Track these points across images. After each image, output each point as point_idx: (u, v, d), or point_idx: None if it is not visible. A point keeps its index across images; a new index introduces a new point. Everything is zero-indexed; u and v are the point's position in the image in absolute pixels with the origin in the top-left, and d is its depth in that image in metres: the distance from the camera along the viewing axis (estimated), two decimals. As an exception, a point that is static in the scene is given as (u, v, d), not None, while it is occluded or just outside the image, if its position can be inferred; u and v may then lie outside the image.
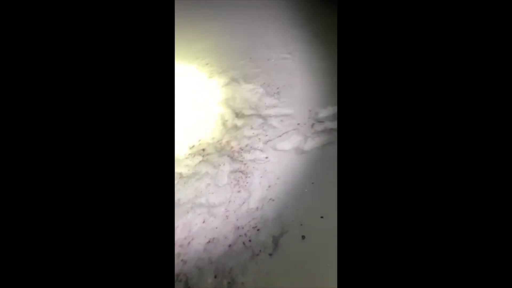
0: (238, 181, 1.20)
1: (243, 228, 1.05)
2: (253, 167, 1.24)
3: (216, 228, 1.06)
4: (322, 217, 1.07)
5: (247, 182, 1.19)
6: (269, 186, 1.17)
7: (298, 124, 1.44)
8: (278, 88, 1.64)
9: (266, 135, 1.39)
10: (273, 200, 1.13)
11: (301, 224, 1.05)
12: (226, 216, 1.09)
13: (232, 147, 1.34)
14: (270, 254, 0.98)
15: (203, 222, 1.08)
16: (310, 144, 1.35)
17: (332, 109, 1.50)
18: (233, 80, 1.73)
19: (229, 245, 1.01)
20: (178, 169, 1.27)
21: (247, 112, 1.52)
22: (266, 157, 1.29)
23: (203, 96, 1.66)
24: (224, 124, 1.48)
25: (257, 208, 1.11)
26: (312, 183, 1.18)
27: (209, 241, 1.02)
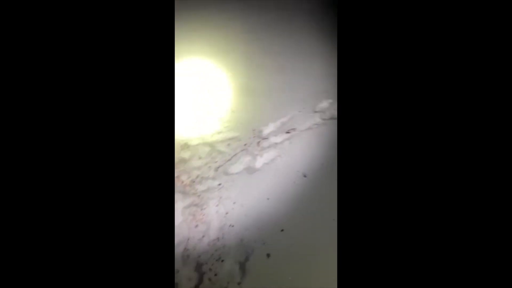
0: (194, 215, 1.17)
1: (206, 263, 1.02)
2: (208, 197, 1.23)
3: (178, 271, 1.00)
4: (282, 230, 1.10)
5: (203, 214, 1.17)
6: (227, 213, 1.18)
7: (245, 144, 1.50)
8: (219, 113, 1.70)
9: (216, 162, 1.41)
10: (232, 226, 1.13)
11: (264, 243, 1.07)
12: (187, 255, 1.05)
13: (182, 182, 1.32)
14: (239, 283, 0.96)
15: (163, 269, 1.01)
16: (260, 161, 1.41)
17: (273, 125, 1.61)
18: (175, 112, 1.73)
19: (195, 287, 0.96)
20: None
21: (193, 142, 1.53)
22: (219, 184, 1.30)
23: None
24: (170, 159, 1.45)
25: (218, 239, 1.09)
26: (268, 198, 1.23)
27: (172, 289, 0.96)
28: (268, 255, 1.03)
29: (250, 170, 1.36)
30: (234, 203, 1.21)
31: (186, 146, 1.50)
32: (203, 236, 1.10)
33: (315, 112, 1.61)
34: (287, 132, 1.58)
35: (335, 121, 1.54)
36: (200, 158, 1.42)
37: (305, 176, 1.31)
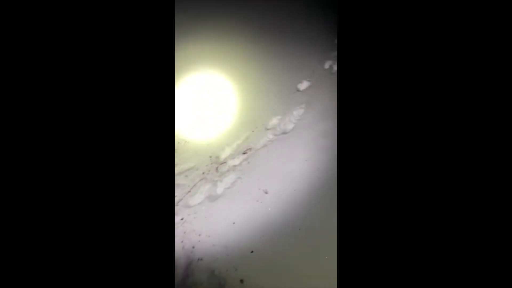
0: (159, 257, 1.13)
1: (178, 307, 0.98)
2: (171, 235, 1.21)
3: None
4: (252, 251, 1.13)
5: (168, 254, 1.13)
6: (193, 247, 1.16)
7: (203, 173, 1.52)
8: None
9: (176, 196, 1.39)
10: (201, 259, 1.12)
11: (236, 269, 1.07)
12: (156, 304, 0.99)
13: (141, 225, 1.27)
14: (216, 318, 0.94)
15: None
16: (221, 187, 1.44)
17: (229, 149, 1.67)
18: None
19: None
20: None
21: (148, 181, 1.49)
22: (182, 219, 1.28)
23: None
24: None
25: (187, 276, 1.06)
26: (234, 223, 1.25)
27: None
28: (241, 281, 1.04)
29: (211, 198, 1.38)
30: (199, 235, 1.21)
31: (140, 185, 1.46)
32: (171, 278, 1.06)
33: (267, 129, 1.73)
34: (244, 153, 1.66)
35: (286, 136, 1.66)
36: (157, 195, 1.39)
37: (266, 192, 1.38)
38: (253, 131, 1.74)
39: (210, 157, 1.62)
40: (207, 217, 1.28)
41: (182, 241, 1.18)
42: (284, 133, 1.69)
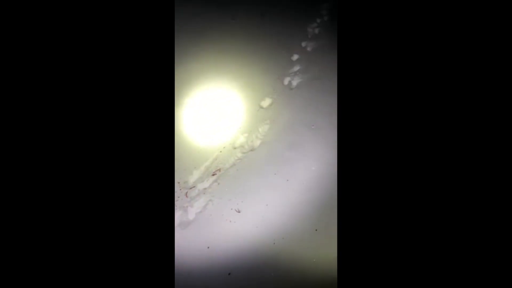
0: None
1: None
2: (142, 270, 1.18)
3: None
4: (229, 273, 1.15)
5: (140, 291, 1.11)
6: (167, 279, 1.15)
7: (173, 200, 1.53)
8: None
9: (144, 228, 1.37)
10: (176, 290, 1.11)
11: (213, 294, 1.08)
12: None
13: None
14: None
15: None
16: (192, 212, 1.45)
17: (198, 172, 1.70)
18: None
19: None
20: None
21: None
22: (152, 251, 1.26)
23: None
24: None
25: (162, 312, 1.04)
26: (208, 247, 1.26)
27: None
28: (220, 306, 1.05)
29: (183, 224, 1.38)
30: (173, 265, 1.20)
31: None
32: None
33: (235, 148, 1.80)
34: (213, 174, 1.70)
35: (254, 152, 1.75)
36: (124, 230, 1.36)
37: (239, 211, 1.42)
38: (221, 152, 1.80)
39: (178, 182, 1.63)
40: (180, 244, 1.28)
41: (154, 275, 1.16)
42: (252, 150, 1.77)
